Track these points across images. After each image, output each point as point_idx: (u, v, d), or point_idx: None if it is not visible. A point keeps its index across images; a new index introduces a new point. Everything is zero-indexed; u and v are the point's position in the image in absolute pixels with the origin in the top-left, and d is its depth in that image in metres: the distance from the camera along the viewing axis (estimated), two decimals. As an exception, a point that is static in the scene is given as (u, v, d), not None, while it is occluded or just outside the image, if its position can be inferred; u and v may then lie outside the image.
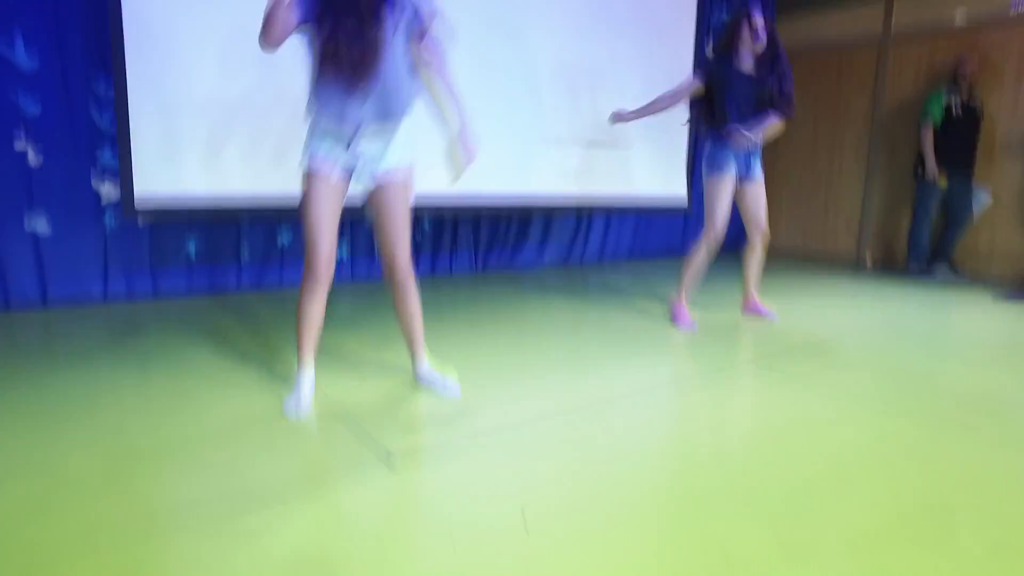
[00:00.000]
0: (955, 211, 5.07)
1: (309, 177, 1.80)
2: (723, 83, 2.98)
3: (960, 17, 5.30)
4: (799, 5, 6.08)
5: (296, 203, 2.00)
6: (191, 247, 3.62)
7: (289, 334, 2.73)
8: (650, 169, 4.67)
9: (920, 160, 5.05)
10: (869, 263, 5.83)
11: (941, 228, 5.16)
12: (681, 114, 3.41)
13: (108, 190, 3.30)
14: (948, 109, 4.92)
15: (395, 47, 1.75)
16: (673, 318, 3.19)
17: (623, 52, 4.42)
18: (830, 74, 5.93)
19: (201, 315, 3.15)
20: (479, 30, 3.80)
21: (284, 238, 3.90)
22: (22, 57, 3.00)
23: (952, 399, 2.16)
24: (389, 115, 1.80)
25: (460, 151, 1.86)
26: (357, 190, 1.91)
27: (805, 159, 6.20)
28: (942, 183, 4.95)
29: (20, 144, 3.05)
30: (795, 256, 6.18)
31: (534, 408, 1.98)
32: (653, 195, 4.70)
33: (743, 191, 3.14)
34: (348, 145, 1.80)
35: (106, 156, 3.26)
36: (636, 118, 3.21)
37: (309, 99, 1.79)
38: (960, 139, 4.95)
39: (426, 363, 2.16)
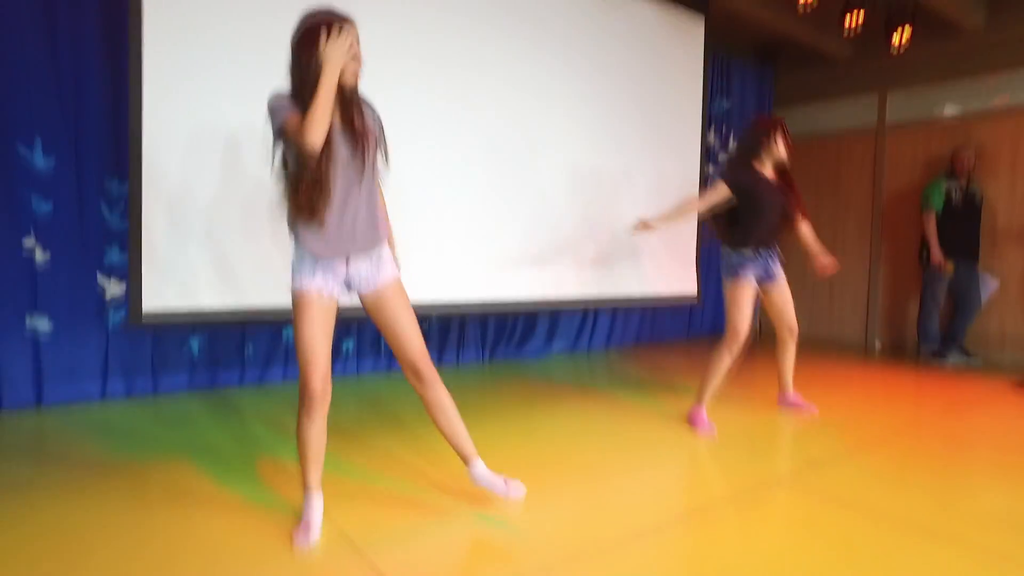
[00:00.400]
0: (963, 298, 5.06)
1: (300, 298, 1.76)
2: (755, 193, 2.96)
3: (949, 110, 5.48)
4: (795, 98, 6.29)
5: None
6: (194, 345, 3.53)
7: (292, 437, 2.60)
8: (659, 265, 4.66)
9: (924, 247, 5.08)
10: (878, 348, 5.77)
11: (950, 314, 5.14)
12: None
13: (113, 288, 3.24)
14: (948, 197, 4.99)
15: (367, 178, 1.78)
16: (691, 422, 3.03)
17: (631, 144, 4.50)
18: (829, 161, 6.06)
19: (203, 417, 3.02)
20: (491, 133, 3.85)
21: (288, 332, 3.82)
22: (39, 159, 3.00)
23: (995, 522, 2.04)
24: (370, 241, 1.82)
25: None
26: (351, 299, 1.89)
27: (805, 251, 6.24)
28: (948, 269, 4.97)
29: (29, 242, 3.00)
30: (802, 342, 6.11)
31: (534, 560, 1.76)
32: (662, 293, 4.67)
33: (768, 293, 3.14)
34: (335, 268, 1.80)
35: (114, 254, 3.22)
36: (662, 225, 3.13)
37: (288, 221, 1.77)
38: (962, 227, 5.01)
39: (481, 465, 2.05)
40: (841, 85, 6.03)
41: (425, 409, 2.00)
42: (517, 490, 2.04)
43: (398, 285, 1.90)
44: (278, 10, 3.07)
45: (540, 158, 4.05)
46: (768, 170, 3.05)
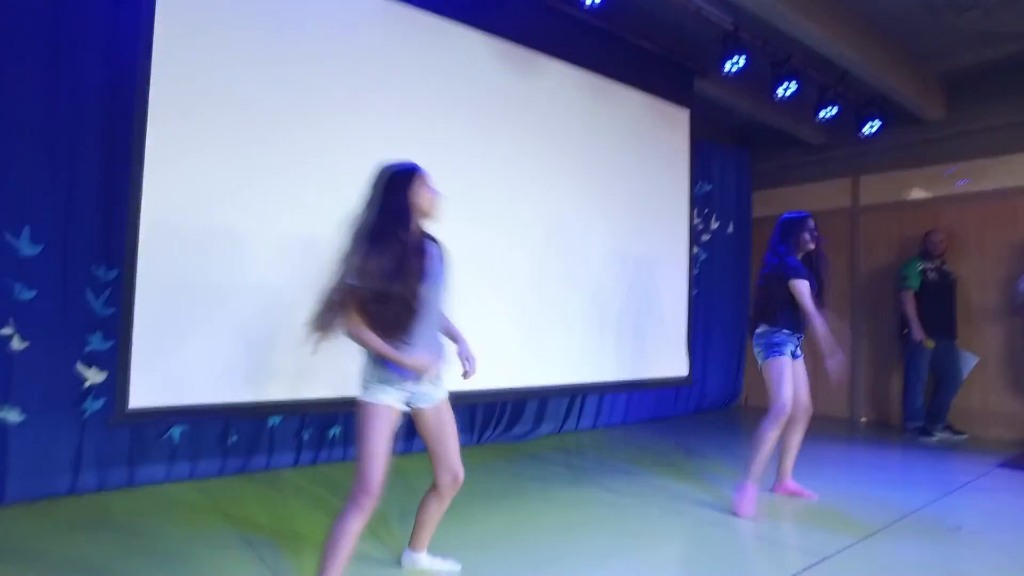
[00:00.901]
0: (944, 374, 5.16)
1: (370, 411, 1.93)
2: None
3: (918, 194, 5.75)
4: (773, 182, 6.54)
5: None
6: (175, 433, 3.34)
7: (284, 536, 2.44)
8: (650, 348, 4.68)
9: (904, 323, 5.20)
10: (863, 423, 5.81)
11: (932, 390, 5.21)
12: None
13: (94, 377, 3.08)
14: (925, 276, 5.16)
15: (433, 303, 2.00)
16: (737, 506, 3.00)
17: (622, 229, 4.57)
18: (807, 241, 6.23)
19: (186, 513, 2.82)
20: (483, 217, 3.87)
21: (273, 418, 3.66)
22: (26, 245, 2.89)
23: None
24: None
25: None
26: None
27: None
28: (928, 344, 5.08)
29: (7, 330, 2.86)
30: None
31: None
32: (653, 376, 4.67)
33: (795, 369, 3.25)
34: (406, 385, 1.99)
35: (96, 341, 3.08)
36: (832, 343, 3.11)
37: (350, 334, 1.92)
38: (939, 305, 5.16)
39: (426, 555, 2.29)
40: (816, 169, 6.30)
41: (432, 497, 2.18)
42: (453, 565, 2.29)
43: (447, 402, 2.12)
44: (280, 97, 3.11)
45: (532, 243, 4.08)
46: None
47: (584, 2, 3.34)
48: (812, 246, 3.25)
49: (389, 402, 1.94)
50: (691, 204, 5.04)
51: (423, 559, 2.28)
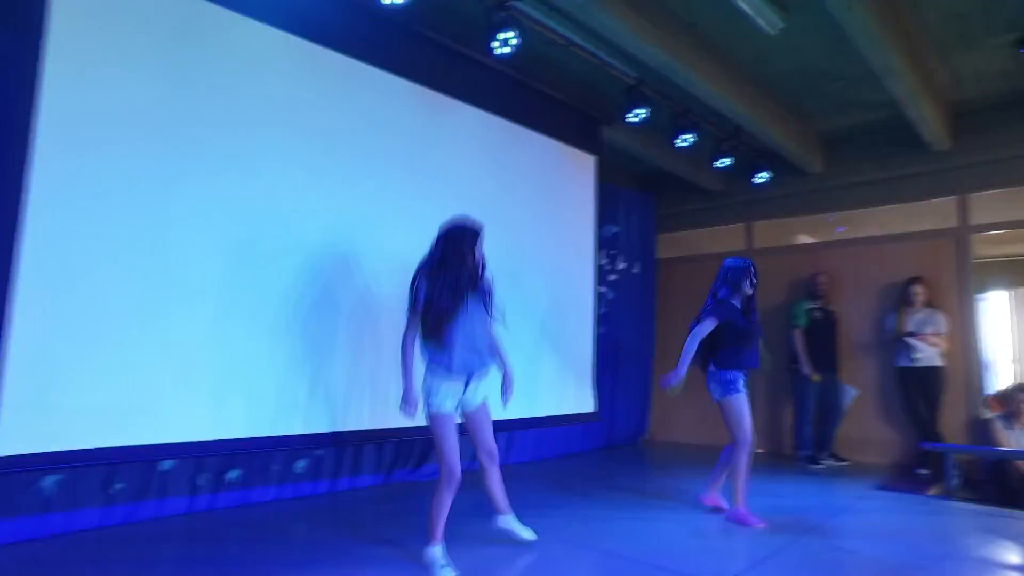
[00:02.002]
0: (828, 406, 5.57)
1: (439, 418, 2.66)
2: (738, 323, 3.50)
3: (803, 239, 6.25)
4: (676, 226, 6.93)
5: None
6: (48, 482, 3.03)
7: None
8: (559, 386, 4.78)
9: (794, 359, 5.58)
10: (760, 453, 6.12)
11: (818, 421, 5.60)
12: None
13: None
14: (811, 315, 5.59)
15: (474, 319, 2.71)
16: (738, 520, 3.39)
17: (529, 270, 4.67)
18: (708, 281, 6.57)
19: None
20: (397, 258, 3.88)
21: (165, 464, 3.44)
22: None
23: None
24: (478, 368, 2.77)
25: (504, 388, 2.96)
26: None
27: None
28: (815, 378, 5.47)
29: None
30: (689, 448, 6.36)
31: None
32: (562, 412, 4.76)
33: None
34: (462, 390, 2.73)
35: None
36: (685, 369, 3.48)
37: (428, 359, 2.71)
38: (823, 341, 5.60)
39: (510, 518, 3.04)
40: (715, 215, 6.74)
41: (484, 476, 2.95)
42: (529, 533, 3.04)
43: (485, 405, 2.87)
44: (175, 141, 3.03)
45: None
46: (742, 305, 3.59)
47: (494, 51, 3.45)
48: (750, 292, 3.57)
49: (448, 408, 2.68)
50: (597, 245, 5.25)
51: (508, 520, 3.03)
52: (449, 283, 2.60)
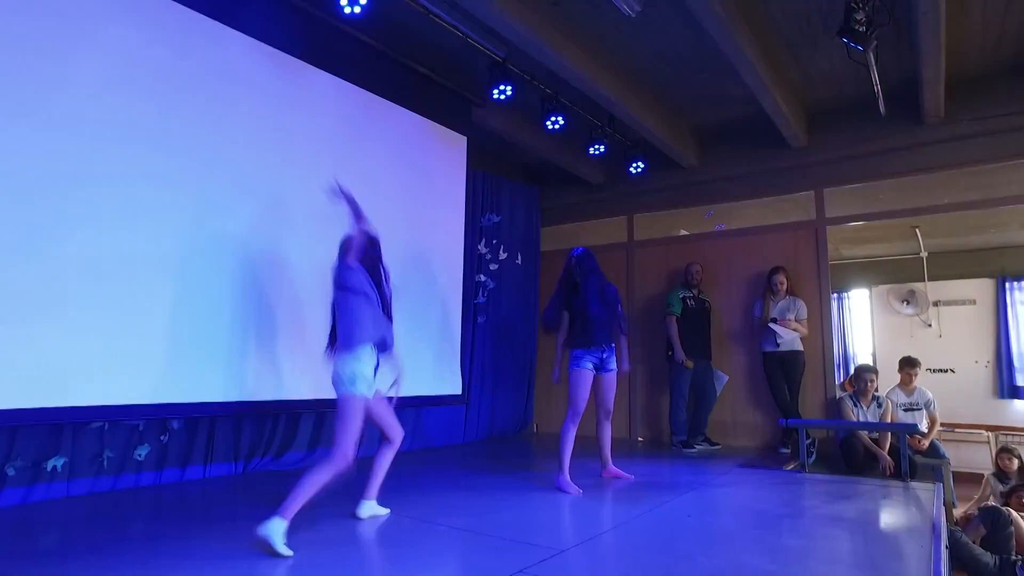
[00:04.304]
0: (700, 391, 5.74)
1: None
2: (577, 306, 3.93)
3: (680, 230, 6.47)
4: (559, 219, 7.00)
5: None
6: None
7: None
8: (428, 367, 4.66)
9: (669, 346, 5.72)
10: (640, 442, 6.22)
11: (692, 407, 5.76)
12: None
13: None
14: (685, 304, 5.75)
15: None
16: (560, 487, 3.63)
17: (393, 254, 4.55)
18: (589, 272, 6.69)
19: None
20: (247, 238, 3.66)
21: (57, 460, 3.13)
22: None
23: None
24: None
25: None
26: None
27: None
28: (689, 365, 5.63)
29: None
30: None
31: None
32: (432, 394, 4.65)
33: (598, 381, 3.93)
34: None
35: None
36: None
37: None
38: (697, 329, 5.77)
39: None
40: (597, 207, 6.86)
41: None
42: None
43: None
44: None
45: (301, 261, 3.92)
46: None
47: (343, 11, 3.33)
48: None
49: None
50: (476, 230, 5.20)
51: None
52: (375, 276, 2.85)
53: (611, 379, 3.97)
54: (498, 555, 2.42)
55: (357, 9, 3.30)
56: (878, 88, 4.42)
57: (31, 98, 2.88)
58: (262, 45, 3.76)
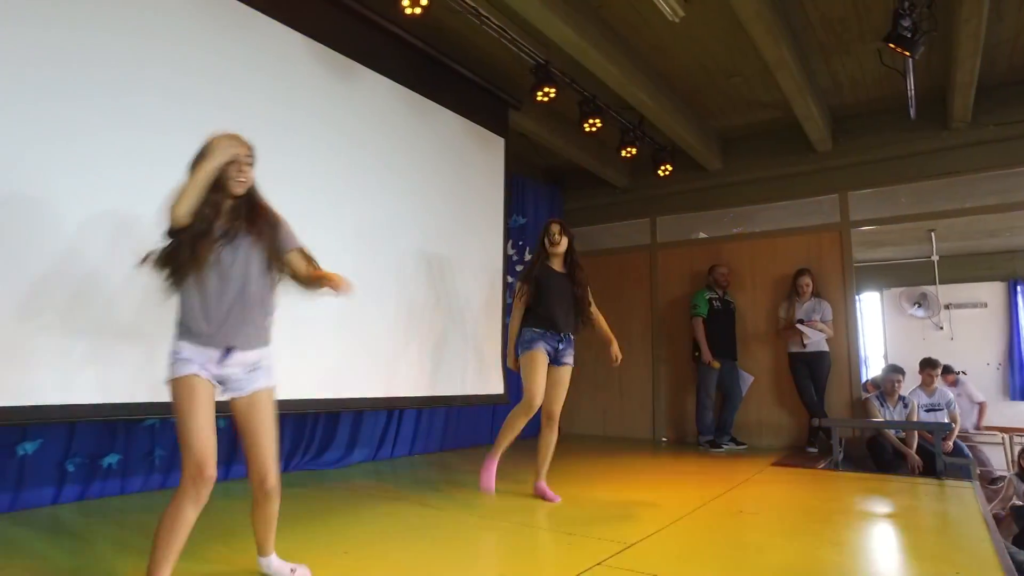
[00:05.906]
0: (727, 391, 5.80)
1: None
2: (540, 283, 3.38)
3: (704, 233, 6.53)
4: (582, 219, 7.03)
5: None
6: None
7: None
8: (468, 367, 4.69)
9: (696, 347, 5.78)
10: (664, 441, 6.28)
11: (719, 407, 5.82)
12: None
13: None
14: (711, 305, 5.82)
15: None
16: (481, 478, 3.38)
17: (435, 253, 4.57)
18: (613, 274, 6.75)
19: None
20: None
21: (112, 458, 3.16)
22: None
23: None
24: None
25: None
26: None
27: (598, 348, 6.74)
28: (715, 365, 5.69)
29: None
30: (598, 439, 6.43)
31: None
32: (468, 392, 4.67)
33: (549, 373, 3.32)
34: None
35: None
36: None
37: None
38: (723, 329, 5.84)
39: (275, 558, 2.18)
40: (620, 209, 6.91)
41: (254, 507, 2.18)
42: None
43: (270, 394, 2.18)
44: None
45: (342, 252, 3.94)
46: (556, 264, 3.47)
47: (405, 11, 3.36)
48: (557, 251, 3.46)
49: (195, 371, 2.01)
50: (506, 228, 5.23)
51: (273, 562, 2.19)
52: None
53: (564, 374, 3.39)
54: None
55: (418, 10, 3.34)
56: (912, 93, 4.50)
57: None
58: (313, 43, 3.78)
